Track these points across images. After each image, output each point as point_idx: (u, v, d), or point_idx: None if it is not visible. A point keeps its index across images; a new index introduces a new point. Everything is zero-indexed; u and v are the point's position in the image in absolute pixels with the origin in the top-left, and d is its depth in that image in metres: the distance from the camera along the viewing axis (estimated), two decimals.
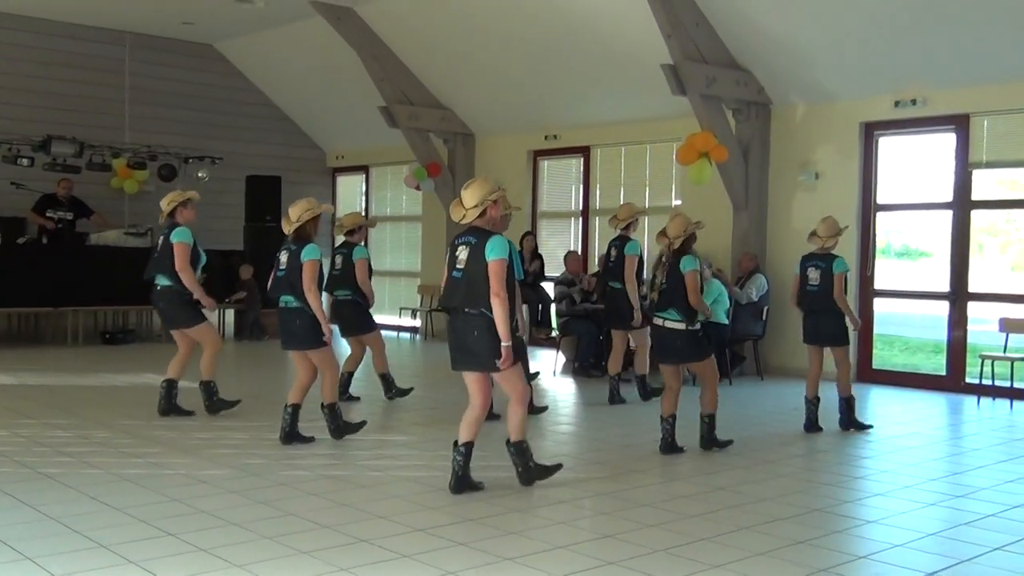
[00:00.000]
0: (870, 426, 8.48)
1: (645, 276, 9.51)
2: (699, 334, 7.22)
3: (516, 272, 6.15)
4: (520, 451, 6.11)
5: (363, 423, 7.83)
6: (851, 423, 8.39)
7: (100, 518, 5.31)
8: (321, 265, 7.34)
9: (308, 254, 7.14)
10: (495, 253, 5.73)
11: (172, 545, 4.86)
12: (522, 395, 6.04)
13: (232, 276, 15.03)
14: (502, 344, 5.74)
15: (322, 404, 7.54)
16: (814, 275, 8.24)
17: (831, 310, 8.21)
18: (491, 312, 5.74)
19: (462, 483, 5.99)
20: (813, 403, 8.33)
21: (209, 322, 8.49)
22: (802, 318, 8.47)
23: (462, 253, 5.86)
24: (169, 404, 8.36)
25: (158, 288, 8.28)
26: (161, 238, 8.30)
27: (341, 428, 7.57)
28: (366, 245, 9.43)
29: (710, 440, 7.39)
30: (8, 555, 4.66)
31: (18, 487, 5.89)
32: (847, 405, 8.40)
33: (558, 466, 6.34)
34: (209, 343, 8.41)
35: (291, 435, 7.32)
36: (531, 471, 6.15)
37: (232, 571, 4.52)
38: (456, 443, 6.00)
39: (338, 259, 9.11)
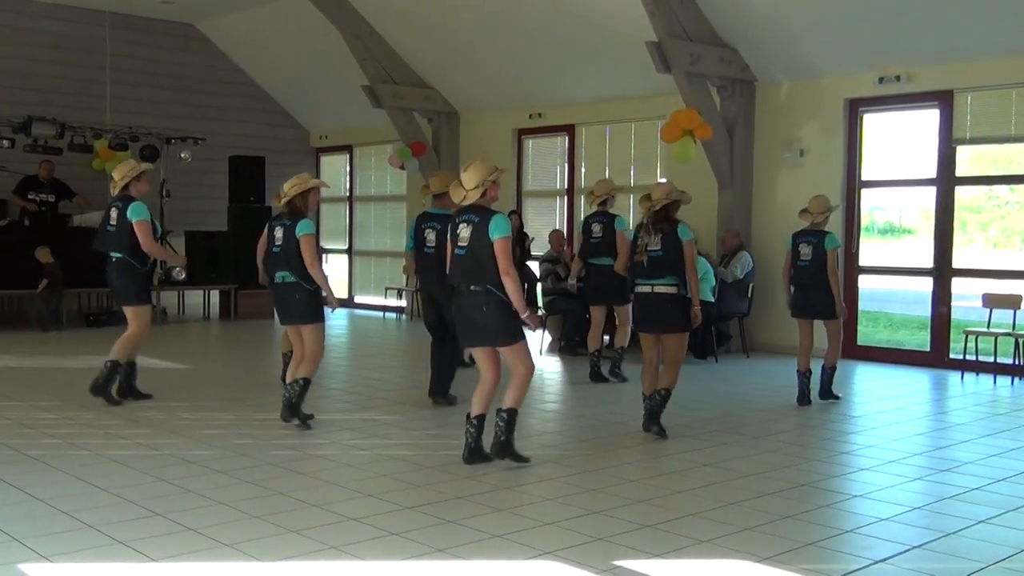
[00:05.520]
0: (838, 397, 8.71)
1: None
2: (687, 303, 6.99)
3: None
4: (509, 420, 6.05)
5: (310, 416, 7.35)
6: (826, 393, 8.61)
7: (87, 499, 5.30)
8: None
9: (303, 229, 7.02)
10: (499, 232, 5.80)
11: (160, 525, 4.86)
12: (529, 371, 6.06)
13: (216, 258, 14.97)
14: (522, 315, 5.88)
15: (296, 379, 7.22)
16: (806, 250, 8.41)
17: (821, 284, 8.34)
18: (498, 289, 5.84)
19: (475, 455, 6.10)
20: (805, 376, 8.50)
21: (149, 306, 8.24)
22: (792, 292, 8.62)
23: (464, 231, 5.94)
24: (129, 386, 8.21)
25: (112, 260, 8.02)
26: (115, 211, 7.95)
27: (296, 407, 7.22)
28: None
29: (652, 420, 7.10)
30: None
31: (4, 469, 5.87)
32: (829, 375, 8.62)
33: (526, 459, 6.16)
34: (140, 326, 8.02)
35: (293, 409, 7.18)
36: (506, 446, 6.08)
37: (221, 550, 4.52)
38: (469, 415, 6.11)
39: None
